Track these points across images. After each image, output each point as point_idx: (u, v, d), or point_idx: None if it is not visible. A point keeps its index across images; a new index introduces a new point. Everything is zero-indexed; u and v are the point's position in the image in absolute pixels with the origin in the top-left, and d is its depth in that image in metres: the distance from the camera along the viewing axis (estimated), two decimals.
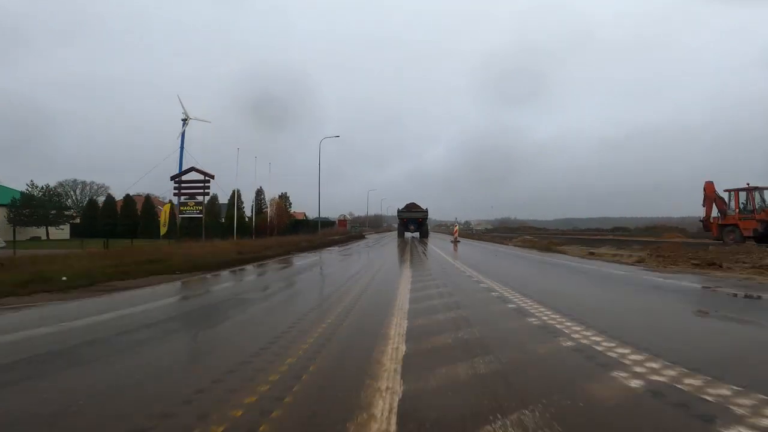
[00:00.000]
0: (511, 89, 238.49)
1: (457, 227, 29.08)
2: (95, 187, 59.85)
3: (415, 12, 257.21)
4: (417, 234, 42.10)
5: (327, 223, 57.55)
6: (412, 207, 42.77)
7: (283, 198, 44.79)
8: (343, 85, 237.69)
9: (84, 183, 57.94)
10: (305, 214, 64.99)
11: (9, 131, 77.21)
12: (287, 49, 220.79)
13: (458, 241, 26.26)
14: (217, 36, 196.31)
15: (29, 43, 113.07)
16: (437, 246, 24.22)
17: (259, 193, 43.75)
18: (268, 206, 39.36)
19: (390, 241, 30.02)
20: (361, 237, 38.52)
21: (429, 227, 46.57)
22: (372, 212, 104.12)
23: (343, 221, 53.85)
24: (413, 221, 42.19)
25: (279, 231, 39.00)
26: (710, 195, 20.54)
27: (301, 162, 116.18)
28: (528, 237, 31.98)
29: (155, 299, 6.92)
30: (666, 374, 2.97)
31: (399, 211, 42.89)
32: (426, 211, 42.83)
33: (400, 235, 41.59)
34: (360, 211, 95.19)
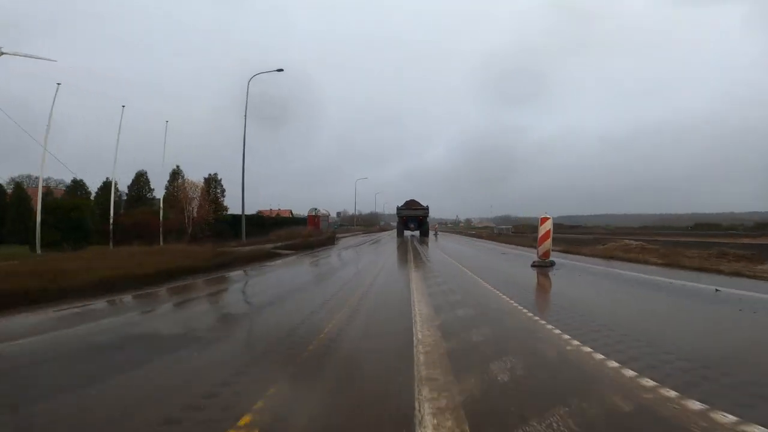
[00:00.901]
0: (511, 89, 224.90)
1: (550, 222, 9.98)
2: (53, 183, 46.04)
3: (415, 12, 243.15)
4: (417, 233, 39.49)
5: (294, 221, 42.66)
6: (411, 204, 40.15)
7: (212, 182, 29.52)
8: (343, 85, 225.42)
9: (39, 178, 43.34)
10: (291, 212, 56.54)
11: (9, 131, 65.78)
12: (287, 49, 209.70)
13: (550, 265, 9.77)
14: (216, 36, 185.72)
15: (28, 41, 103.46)
16: (499, 286, 7.72)
17: (176, 175, 28.67)
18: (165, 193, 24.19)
19: (374, 261, 13.85)
20: (327, 243, 23.12)
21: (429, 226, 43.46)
22: (370, 210, 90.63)
23: (315, 218, 38.26)
24: (413, 219, 39.07)
25: (195, 232, 24.20)
26: None
27: (301, 161, 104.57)
28: (632, 242, 17.25)
29: None
30: None
31: (398, 209, 40.08)
32: (426, 209, 40.12)
33: (400, 234, 38.46)
34: (360, 210, 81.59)
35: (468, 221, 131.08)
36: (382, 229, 66.99)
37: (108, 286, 7.11)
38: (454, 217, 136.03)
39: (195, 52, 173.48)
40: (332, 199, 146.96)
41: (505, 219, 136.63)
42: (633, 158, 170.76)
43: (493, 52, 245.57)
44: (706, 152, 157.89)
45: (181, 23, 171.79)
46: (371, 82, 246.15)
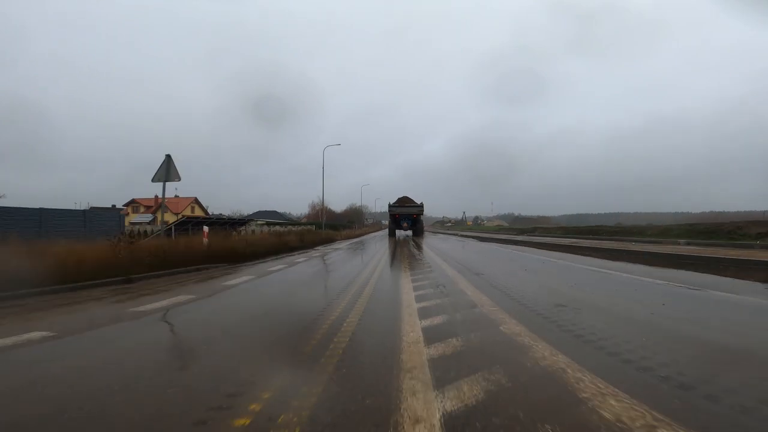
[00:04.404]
0: (513, 86, 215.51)
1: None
2: None
3: (416, 11, 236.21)
4: (410, 232, 37.35)
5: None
6: (405, 201, 37.99)
7: None
8: (341, 84, 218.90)
9: None
10: (203, 208, 47.08)
11: (10, 132, 63.53)
12: (285, 48, 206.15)
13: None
14: (216, 33, 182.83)
15: (30, 42, 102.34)
16: None
17: None
18: None
19: None
20: None
21: (424, 226, 41.62)
22: (366, 207, 78.97)
23: None
24: (407, 217, 36.59)
25: None
26: None
27: (298, 160, 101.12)
28: None
29: None
30: None
31: (390, 206, 37.57)
32: (421, 206, 37.43)
33: (391, 233, 36.50)
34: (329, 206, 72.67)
35: (477, 219, 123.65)
36: (368, 232, 52.20)
37: None
38: (460, 216, 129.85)
39: (194, 50, 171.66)
40: (328, 196, 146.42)
41: (515, 218, 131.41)
42: (641, 156, 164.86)
43: (496, 48, 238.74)
44: (716, 150, 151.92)
45: (179, 22, 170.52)
46: (369, 80, 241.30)
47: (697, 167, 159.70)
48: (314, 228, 35.15)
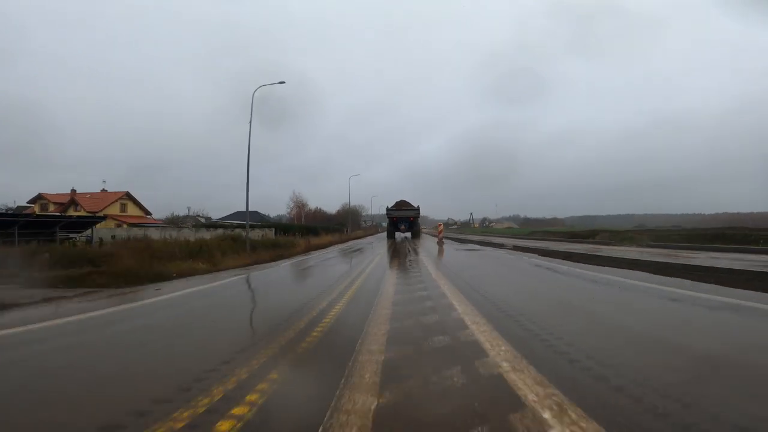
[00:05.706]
0: (515, 86, 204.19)
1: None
2: None
3: (415, 10, 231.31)
4: (408, 234, 38.51)
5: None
6: (402, 205, 39.06)
7: None
8: (341, 84, 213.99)
9: None
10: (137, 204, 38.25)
11: (10, 133, 63.49)
12: (285, 48, 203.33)
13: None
14: (216, 33, 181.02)
15: (30, 42, 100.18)
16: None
17: None
18: None
19: None
20: None
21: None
22: (364, 206, 73.78)
23: None
24: (404, 220, 37.73)
25: None
26: None
27: (297, 161, 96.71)
28: None
29: None
30: None
31: (388, 210, 38.57)
32: (417, 209, 38.87)
33: (390, 236, 37.04)
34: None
35: (485, 221, 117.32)
36: (353, 238, 41.45)
37: None
38: (466, 217, 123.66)
39: (193, 50, 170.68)
40: (324, 197, 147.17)
41: (523, 219, 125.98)
42: (649, 157, 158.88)
43: (497, 45, 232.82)
44: (725, 150, 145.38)
45: (180, 21, 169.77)
46: (369, 80, 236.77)
47: (705, 168, 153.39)
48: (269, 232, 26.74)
